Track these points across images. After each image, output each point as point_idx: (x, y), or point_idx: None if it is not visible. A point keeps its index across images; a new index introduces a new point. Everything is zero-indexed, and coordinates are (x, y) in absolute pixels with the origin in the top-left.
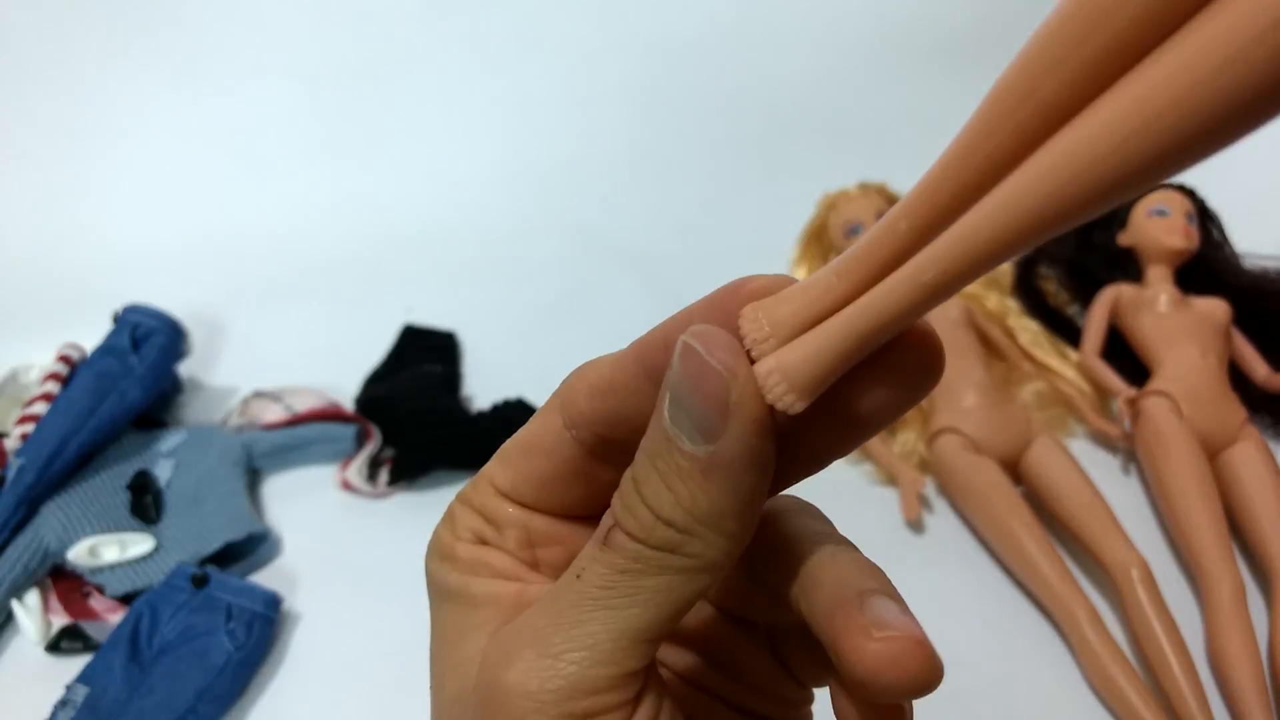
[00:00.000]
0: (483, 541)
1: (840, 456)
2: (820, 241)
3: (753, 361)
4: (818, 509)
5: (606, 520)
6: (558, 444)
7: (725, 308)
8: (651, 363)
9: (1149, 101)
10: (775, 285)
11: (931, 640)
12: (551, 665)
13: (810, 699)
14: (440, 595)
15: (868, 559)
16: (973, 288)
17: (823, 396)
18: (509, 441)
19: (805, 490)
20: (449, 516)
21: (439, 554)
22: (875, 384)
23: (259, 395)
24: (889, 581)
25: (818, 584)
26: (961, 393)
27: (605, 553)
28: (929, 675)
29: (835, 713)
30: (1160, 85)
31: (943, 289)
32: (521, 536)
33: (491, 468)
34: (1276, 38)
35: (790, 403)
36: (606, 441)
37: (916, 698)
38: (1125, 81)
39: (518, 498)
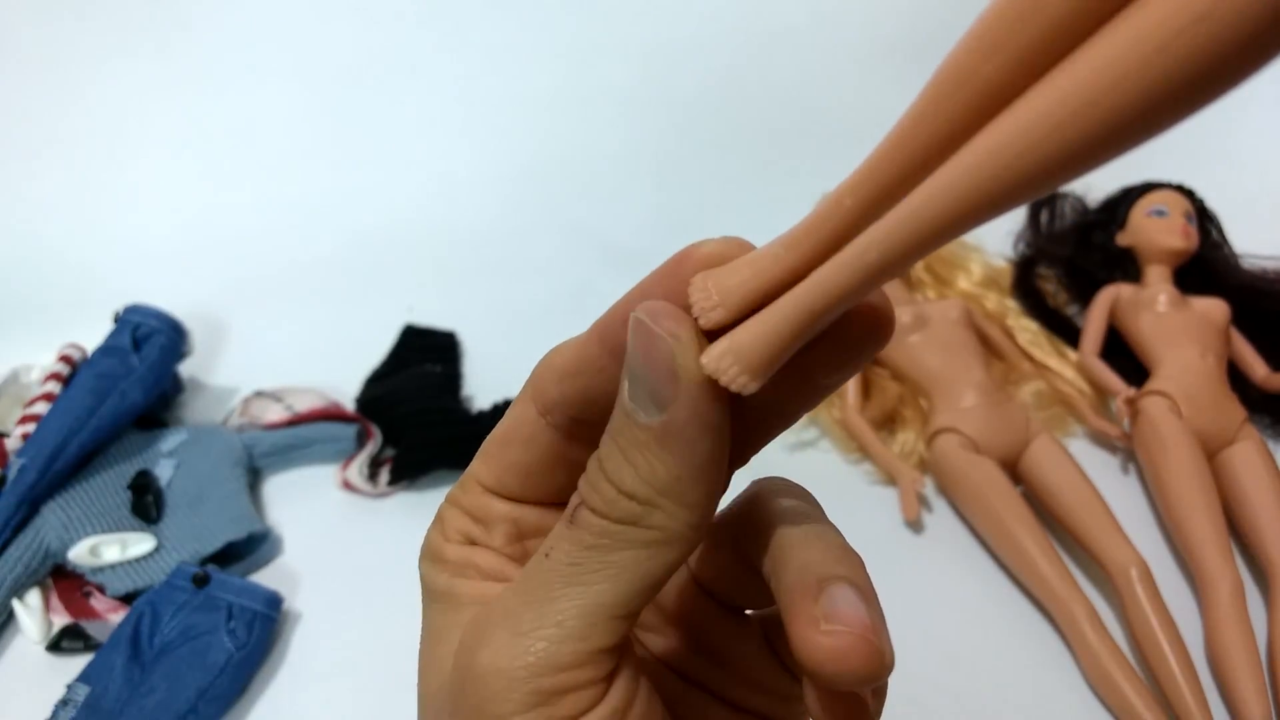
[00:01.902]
0: (471, 542)
1: (794, 419)
2: None
3: (701, 329)
4: (806, 491)
5: (574, 500)
6: (534, 432)
7: (677, 275)
8: (613, 339)
9: (1079, 91)
10: (724, 248)
11: (887, 634)
12: (521, 643)
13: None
14: (430, 597)
15: (843, 543)
16: (972, 288)
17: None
18: (489, 437)
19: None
20: (438, 519)
21: (429, 556)
22: (825, 349)
23: (260, 395)
24: (859, 567)
25: (786, 566)
26: (961, 393)
27: (572, 530)
28: (872, 671)
29: (805, 694)
30: (1090, 75)
31: (886, 269)
32: (510, 531)
33: (475, 466)
34: (1195, 34)
35: (744, 384)
36: (580, 423)
37: (860, 689)
38: (1059, 70)
39: (504, 491)
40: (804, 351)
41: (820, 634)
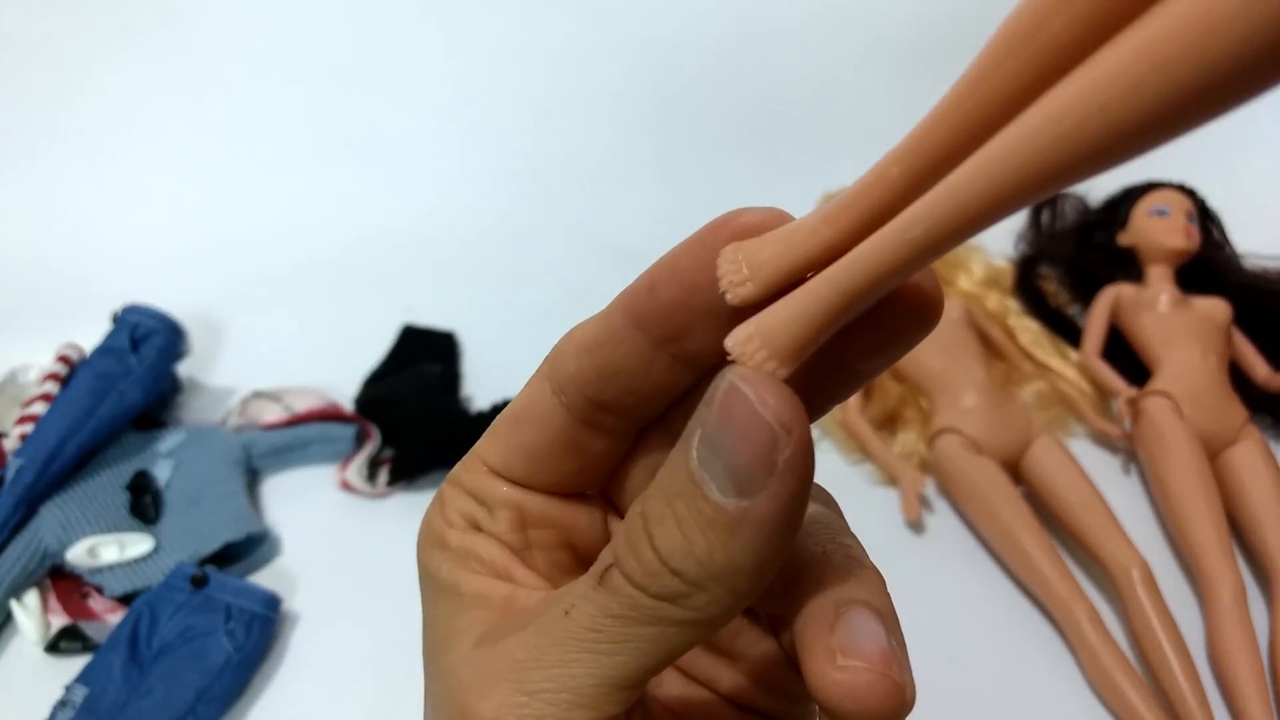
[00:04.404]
0: (474, 526)
1: (826, 409)
2: None
3: (729, 303)
4: (824, 492)
5: (605, 556)
6: (547, 412)
7: (711, 244)
8: (637, 307)
9: (1161, 46)
10: (764, 219)
11: (908, 667)
12: (528, 703)
13: None
14: (431, 587)
15: (864, 558)
16: (974, 288)
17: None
18: (499, 416)
19: None
20: (439, 500)
21: (430, 541)
22: (865, 329)
23: (258, 395)
24: (880, 588)
25: (801, 586)
26: (962, 393)
27: (599, 593)
28: (891, 710)
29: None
30: (1176, 27)
31: (934, 247)
32: (514, 517)
33: (481, 445)
34: None
35: (772, 370)
36: (595, 405)
37: None
38: (1138, 25)
39: (509, 474)
40: (840, 333)
41: (836, 670)
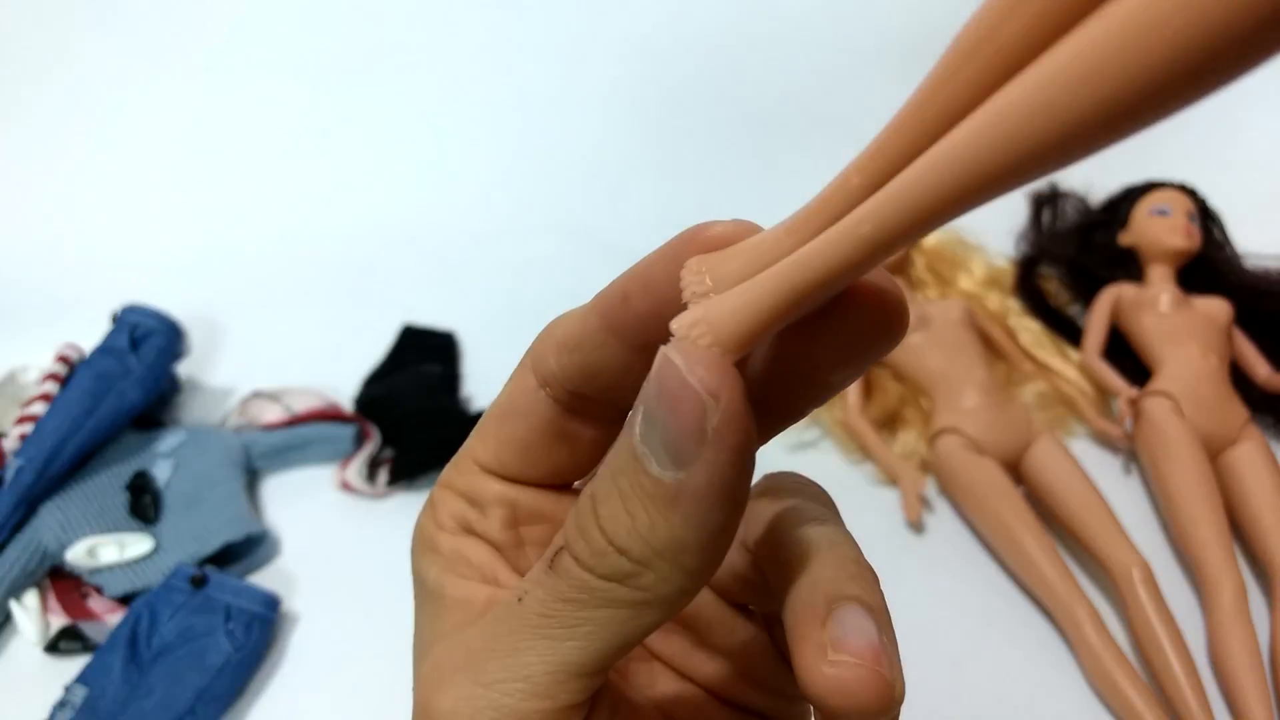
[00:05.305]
0: (466, 528)
1: (801, 416)
2: None
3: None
4: (820, 489)
5: (557, 540)
6: (534, 404)
7: (680, 257)
8: (612, 316)
9: (1098, 50)
10: (735, 231)
11: (899, 663)
12: (484, 695)
13: None
14: (421, 592)
15: (857, 555)
16: (974, 288)
17: (781, 353)
18: (485, 413)
19: None
20: (430, 503)
21: (422, 545)
22: (832, 340)
23: (258, 395)
24: (872, 585)
25: (794, 580)
26: (963, 393)
27: (549, 577)
28: (880, 706)
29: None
30: (1113, 32)
31: (882, 245)
32: (506, 515)
33: (471, 444)
34: None
35: (717, 355)
36: (582, 398)
37: None
38: (1080, 28)
39: (501, 470)
40: (808, 345)
41: (826, 664)
